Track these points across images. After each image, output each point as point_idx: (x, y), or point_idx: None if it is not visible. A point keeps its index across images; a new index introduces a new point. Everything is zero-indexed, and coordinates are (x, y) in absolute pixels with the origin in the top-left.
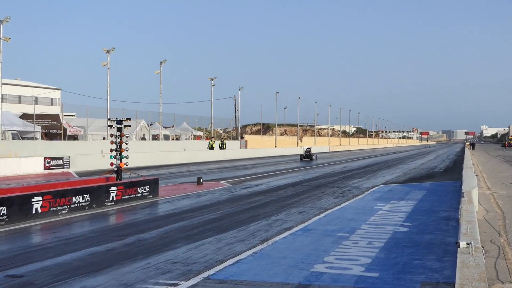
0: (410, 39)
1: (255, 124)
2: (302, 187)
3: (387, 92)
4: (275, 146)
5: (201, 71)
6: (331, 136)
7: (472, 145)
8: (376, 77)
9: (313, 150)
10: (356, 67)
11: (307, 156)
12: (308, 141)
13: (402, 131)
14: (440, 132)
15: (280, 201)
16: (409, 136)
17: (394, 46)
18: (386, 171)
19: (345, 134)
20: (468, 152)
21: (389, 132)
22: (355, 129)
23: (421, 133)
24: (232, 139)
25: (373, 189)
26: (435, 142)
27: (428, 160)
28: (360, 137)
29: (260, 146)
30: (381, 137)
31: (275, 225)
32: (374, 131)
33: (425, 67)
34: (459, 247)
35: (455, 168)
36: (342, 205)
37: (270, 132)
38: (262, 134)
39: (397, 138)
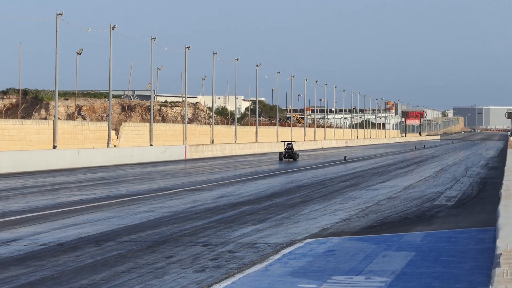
0: None
1: None
2: (120, 245)
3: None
4: (55, 146)
5: None
6: (192, 120)
7: None
8: None
9: (127, 156)
10: None
11: (289, 155)
12: (131, 132)
13: (362, 111)
14: (450, 113)
15: (66, 282)
16: (378, 120)
17: None
18: (321, 204)
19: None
20: None
21: (332, 113)
22: (243, 106)
23: (404, 114)
24: None
25: (290, 249)
26: (437, 137)
27: (421, 179)
28: (249, 125)
29: (12, 146)
30: (308, 125)
31: None
32: (295, 113)
33: None
34: None
35: (482, 197)
36: None
37: (43, 110)
38: (23, 117)
39: (349, 127)
